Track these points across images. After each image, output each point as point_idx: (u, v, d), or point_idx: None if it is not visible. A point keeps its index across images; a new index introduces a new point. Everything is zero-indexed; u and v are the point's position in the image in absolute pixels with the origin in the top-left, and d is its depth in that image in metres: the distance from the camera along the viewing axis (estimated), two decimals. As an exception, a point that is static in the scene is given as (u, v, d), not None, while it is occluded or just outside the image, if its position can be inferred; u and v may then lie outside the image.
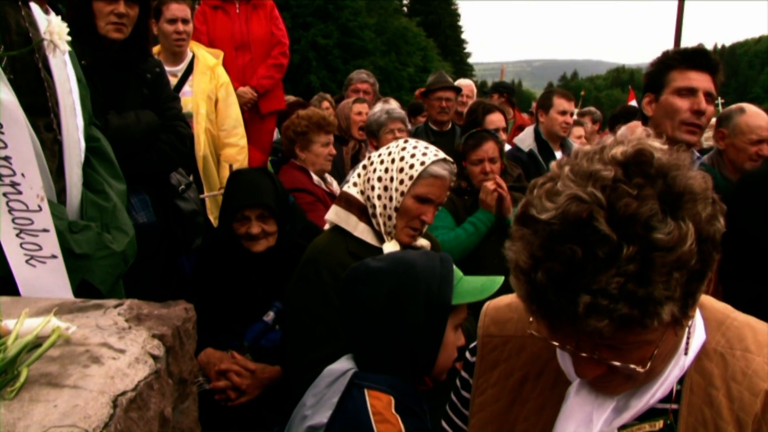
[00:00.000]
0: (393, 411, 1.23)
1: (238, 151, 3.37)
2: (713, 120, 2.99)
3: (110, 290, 1.52)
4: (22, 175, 1.17)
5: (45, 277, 1.23)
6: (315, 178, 3.14)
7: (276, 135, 4.47)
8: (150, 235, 2.31)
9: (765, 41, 76.99)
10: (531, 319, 0.85)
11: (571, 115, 4.08)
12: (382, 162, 1.86)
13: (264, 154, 3.99)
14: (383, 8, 27.48)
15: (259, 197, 2.21)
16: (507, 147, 3.70)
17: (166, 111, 2.43)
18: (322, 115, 3.17)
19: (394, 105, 4.20)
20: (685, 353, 0.88)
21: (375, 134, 3.40)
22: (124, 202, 1.68)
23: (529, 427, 0.98)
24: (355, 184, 1.92)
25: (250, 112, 3.92)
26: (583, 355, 0.82)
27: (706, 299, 0.97)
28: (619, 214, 0.73)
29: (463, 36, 43.46)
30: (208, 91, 3.28)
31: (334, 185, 3.33)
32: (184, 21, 3.26)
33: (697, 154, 2.26)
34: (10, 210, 1.17)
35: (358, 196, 1.89)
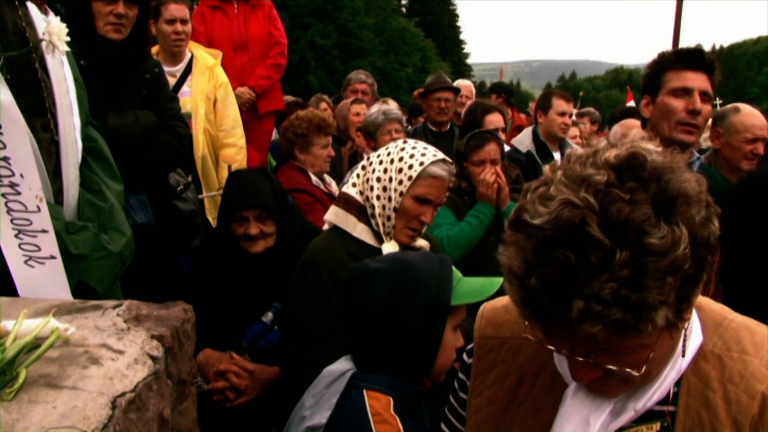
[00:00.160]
0: (392, 412, 1.23)
1: (236, 152, 3.37)
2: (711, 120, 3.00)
3: (107, 291, 1.52)
4: (21, 175, 1.17)
5: (44, 277, 1.23)
6: (314, 178, 3.14)
7: (274, 135, 4.48)
8: (148, 235, 2.31)
9: (763, 42, 77.22)
10: (526, 323, 0.85)
11: (570, 116, 4.09)
12: (381, 162, 1.87)
13: (262, 154, 3.99)
14: (382, 8, 27.49)
15: (257, 198, 2.21)
16: (506, 148, 3.71)
17: (165, 111, 2.43)
18: (321, 117, 3.17)
19: (392, 105, 4.21)
20: (682, 356, 0.88)
21: (372, 135, 3.40)
22: (121, 203, 1.68)
23: (525, 430, 0.98)
24: (354, 185, 1.92)
25: (249, 112, 3.92)
26: (579, 359, 0.82)
27: (703, 301, 0.97)
28: (611, 219, 0.72)
29: (462, 36, 43.49)
30: (207, 92, 3.28)
31: (333, 186, 3.33)
32: (183, 21, 3.26)
33: (697, 154, 2.26)
34: (9, 211, 1.17)
35: (357, 197, 1.89)
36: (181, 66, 3.31)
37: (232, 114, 3.39)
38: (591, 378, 0.85)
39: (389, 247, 1.84)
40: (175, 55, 3.30)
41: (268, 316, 2.23)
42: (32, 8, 1.45)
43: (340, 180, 3.59)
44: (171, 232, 2.53)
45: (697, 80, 2.04)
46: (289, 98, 4.88)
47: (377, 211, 1.85)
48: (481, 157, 2.82)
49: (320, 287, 1.77)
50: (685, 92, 2.04)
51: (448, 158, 1.88)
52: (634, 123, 3.92)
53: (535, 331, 0.83)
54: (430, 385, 1.36)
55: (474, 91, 5.95)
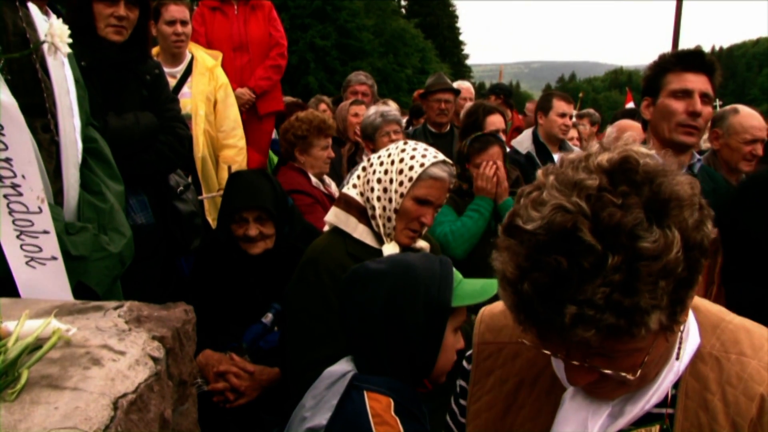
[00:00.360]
0: (392, 413, 1.23)
1: (236, 153, 3.37)
2: (710, 122, 3.00)
3: (107, 292, 1.52)
4: (23, 176, 1.17)
5: (45, 278, 1.23)
6: (313, 179, 3.14)
7: (274, 136, 4.48)
8: (148, 236, 2.31)
9: (763, 43, 77.27)
10: (521, 328, 0.85)
11: (571, 117, 4.10)
12: (381, 164, 1.87)
13: (262, 155, 4.00)
14: (381, 9, 27.53)
15: (257, 199, 2.21)
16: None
17: (165, 112, 2.43)
18: (322, 119, 3.17)
19: (391, 107, 4.21)
20: (677, 358, 0.88)
21: (371, 137, 3.40)
22: (121, 203, 1.68)
23: None
24: (354, 186, 1.92)
25: (249, 113, 3.92)
26: (574, 363, 0.82)
27: (700, 302, 0.97)
28: (603, 224, 0.72)
29: (461, 37, 43.53)
30: (207, 93, 3.28)
31: (333, 187, 3.33)
32: (183, 22, 3.26)
33: (698, 156, 2.27)
34: (11, 212, 1.17)
35: (358, 198, 1.90)
36: (182, 67, 3.32)
37: (232, 115, 3.39)
38: (587, 381, 0.85)
39: (390, 249, 1.84)
40: (175, 56, 3.30)
41: (268, 317, 2.23)
42: (33, 9, 1.45)
43: (339, 181, 3.60)
44: (171, 233, 2.53)
45: (697, 82, 2.04)
46: (288, 99, 4.88)
47: (378, 212, 1.85)
48: (483, 160, 2.84)
49: (320, 288, 1.78)
50: (686, 94, 2.04)
51: (448, 159, 1.88)
52: (629, 124, 3.92)
53: (530, 336, 0.83)
54: (431, 386, 1.36)
55: (473, 92, 5.95)
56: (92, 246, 1.47)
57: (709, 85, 2.06)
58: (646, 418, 0.90)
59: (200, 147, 3.18)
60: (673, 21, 12.28)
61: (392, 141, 3.04)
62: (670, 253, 0.73)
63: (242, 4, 3.94)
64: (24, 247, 1.20)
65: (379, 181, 1.85)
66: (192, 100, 3.22)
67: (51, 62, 1.42)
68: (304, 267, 1.86)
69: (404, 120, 5.99)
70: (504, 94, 6.15)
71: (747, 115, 2.97)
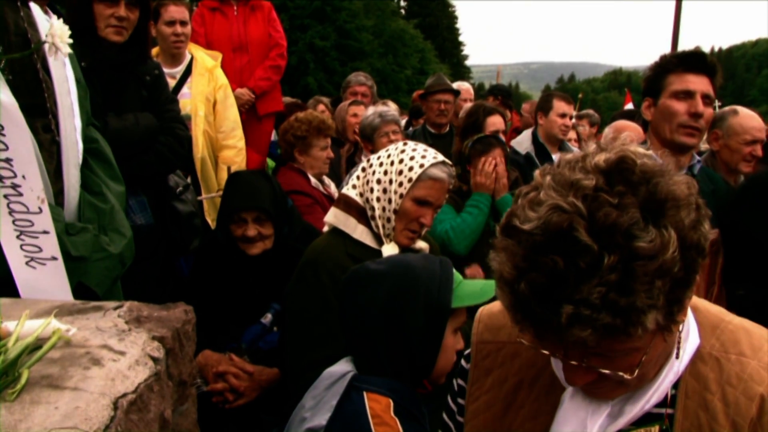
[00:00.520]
0: (392, 414, 1.23)
1: (236, 153, 3.37)
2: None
3: (107, 292, 1.52)
4: (23, 176, 1.17)
5: (45, 278, 1.23)
6: (313, 180, 3.14)
7: (273, 136, 4.48)
8: (147, 236, 2.31)
9: (762, 44, 77.36)
10: (518, 328, 0.85)
11: (571, 118, 4.10)
12: (381, 164, 1.87)
13: (261, 155, 4.00)
14: (381, 10, 27.53)
15: (255, 200, 2.22)
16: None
17: (165, 113, 2.44)
18: (321, 119, 3.18)
19: (391, 107, 4.21)
20: (677, 357, 0.88)
21: (369, 138, 3.40)
22: (122, 204, 1.68)
23: None
24: (354, 187, 1.93)
25: (248, 113, 3.92)
26: (572, 363, 0.82)
27: (700, 302, 0.97)
28: (599, 224, 0.73)
29: (461, 38, 43.57)
30: (207, 93, 3.28)
31: (332, 187, 3.34)
32: (182, 23, 3.27)
33: (698, 157, 2.27)
34: (11, 212, 1.17)
35: (357, 199, 1.90)
36: (181, 68, 3.32)
37: (231, 116, 3.40)
38: (585, 381, 0.85)
39: (389, 249, 1.85)
40: (174, 56, 3.31)
41: (268, 318, 2.23)
42: (35, 9, 1.45)
43: (338, 181, 3.60)
44: (170, 234, 2.53)
45: (699, 83, 2.05)
46: (288, 100, 4.88)
47: (377, 212, 1.85)
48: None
49: (320, 289, 1.78)
50: (687, 95, 2.05)
51: (448, 160, 1.89)
52: (626, 125, 3.93)
53: (528, 335, 0.83)
54: (430, 387, 1.36)
55: (473, 93, 5.96)
56: (92, 246, 1.47)
57: (711, 87, 2.07)
58: (646, 418, 0.90)
59: (200, 148, 3.18)
60: (672, 22, 12.30)
61: (391, 141, 3.05)
62: (667, 253, 0.73)
63: (242, 4, 3.95)
64: (24, 247, 1.20)
65: (378, 181, 1.86)
66: (191, 100, 3.23)
67: (52, 62, 1.43)
68: (303, 267, 1.86)
69: (404, 121, 6.00)
70: (502, 95, 6.16)
71: (747, 116, 2.98)
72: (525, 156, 3.90)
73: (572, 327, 0.73)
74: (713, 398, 0.87)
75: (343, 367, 1.35)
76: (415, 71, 28.49)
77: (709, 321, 0.94)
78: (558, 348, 0.82)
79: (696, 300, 0.95)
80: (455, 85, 5.11)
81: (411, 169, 1.82)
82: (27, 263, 1.21)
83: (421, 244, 1.96)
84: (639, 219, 0.73)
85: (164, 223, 2.48)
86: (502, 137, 3.39)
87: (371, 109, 3.51)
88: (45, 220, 1.21)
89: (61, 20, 1.28)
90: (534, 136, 4.06)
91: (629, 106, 8.59)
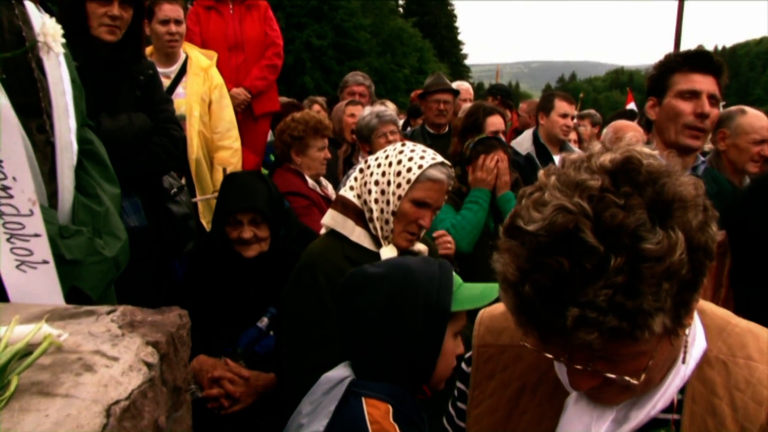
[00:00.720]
0: (391, 420, 1.23)
1: (231, 154, 3.37)
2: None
3: (101, 296, 1.52)
4: (14, 178, 1.16)
5: (36, 283, 1.22)
6: (310, 181, 3.14)
7: (270, 137, 4.47)
8: (141, 238, 2.30)
9: (766, 42, 77.59)
10: (522, 331, 0.85)
11: (573, 118, 4.11)
12: (379, 165, 1.87)
13: (258, 156, 4.00)
14: (378, 9, 27.60)
15: (251, 201, 2.21)
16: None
17: (159, 113, 2.43)
18: (318, 119, 3.18)
19: (389, 107, 4.21)
20: (683, 362, 0.88)
21: (367, 139, 3.38)
22: (117, 207, 1.68)
23: None
24: (351, 188, 1.93)
25: (244, 113, 3.92)
26: (577, 367, 0.82)
27: (706, 305, 0.97)
28: (605, 225, 0.73)
29: (460, 37, 43.67)
30: (202, 93, 3.28)
31: (329, 189, 3.33)
32: (177, 22, 3.26)
33: (702, 158, 2.27)
34: (1, 214, 1.17)
35: (355, 200, 1.90)
36: (176, 67, 3.31)
37: (227, 116, 3.39)
38: (590, 386, 0.85)
39: (387, 252, 1.85)
40: (169, 56, 3.30)
41: (264, 322, 2.23)
42: (30, 7, 1.45)
43: (335, 182, 3.59)
44: (164, 236, 2.52)
45: (705, 83, 2.04)
46: (284, 99, 4.88)
47: (375, 214, 1.85)
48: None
49: (317, 292, 1.78)
50: (693, 95, 2.04)
51: (447, 161, 1.89)
52: (625, 124, 3.93)
53: (532, 339, 0.83)
54: (430, 392, 1.36)
55: (472, 92, 5.97)
56: (87, 250, 1.46)
57: (717, 87, 2.06)
58: (652, 424, 0.90)
59: (194, 148, 3.18)
60: (674, 20, 12.34)
61: (389, 142, 3.04)
62: (674, 255, 0.73)
63: (237, 3, 3.95)
64: (14, 250, 1.19)
65: (376, 183, 1.85)
66: (186, 100, 3.22)
67: (47, 61, 1.42)
68: (300, 270, 1.86)
69: (401, 121, 6.01)
70: (501, 94, 6.17)
71: (755, 115, 2.98)
72: (526, 157, 3.91)
73: (578, 330, 0.73)
74: (721, 403, 0.87)
75: (341, 371, 1.35)
76: (414, 70, 28.56)
77: (716, 324, 0.94)
78: (563, 351, 0.82)
79: (702, 302, 0.94)
80: (454, 84, 5.13)
81: (409, 170, 1.82)
82: (17, 267, 1.21)
83: (420, 247, 1.95)
84: (646, 220, 0.73)
85: (158, 225, 2.48)
86: (502, 137, 3.39)
87: (368, 110, 3.50)
88: (36, 223, 1.21)
89: (54, 19, 1.27)
90: (535, 136, 4.06)
91: (631, 105, 8.61)
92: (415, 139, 4.23)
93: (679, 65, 2.09)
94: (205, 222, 3.16)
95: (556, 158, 3.96)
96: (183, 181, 2.91)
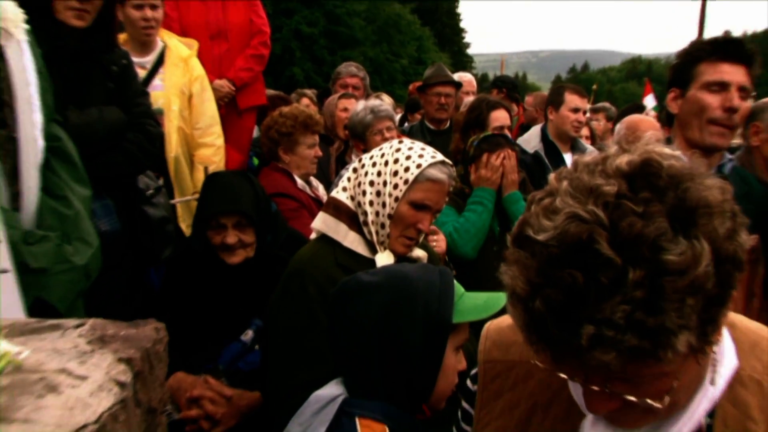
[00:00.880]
0: (387, 442, 1.22)
1: (214, 152, 3.36)
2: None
3: (69, 309, 1.51)
4: (-29, 179, 1.15)
5: (-6, 294, 1.21)
6: (299, 181, 3.14)
7: (255, 133, 4.47)
8: (113, 244, 2.29)
9: (799, 27, 77.56)
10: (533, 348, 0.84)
11: (584, 113, 4.11)
12: (374, 165, 1.87)
13: (242, 154, 3.99)
14: (374, -6, 27.67)
15: (236, 203, 2.21)
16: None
17: (134, 107, 2.43)
18: (308, 114, 3.18)
19: (384, 101, 4.21)
20: (711, 383, 0.87)
21: (361, 137, 3.38)
22: (88, 210, 1.67)
23: None
24: (344, 189, 1.93)
25: (227, 107, 3.92)
26: (594, 388, 0.82)
27: (737, 319, 0.96)
28: (622, 235, 0.72)
29: (462, 24, 43.84)
30: (181, 85, 3.27)
31: (320, 190, 3.33)
32: (153, 6, 3.25)
33: (729, 155, 2.25)
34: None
35: (348, 202, 1.90)
36: (152, 57, 3.30)
37: (209, 110, 3.39)
38: (608, 409, 0.84)
39: (383, 258, 1.84)
40: (144, 44, 3.29)
41: (248, 335, 2.23)
42: (-13, -9, 1.44)
43: (327, 183, 3.59)
44: (139, 241, 2.52)
45: (735, 74, 2.00)
46: (271, 92, 4.88)
47: (370, 218, 1.85)
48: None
49: (307, 303, 1.77)
50: (722, 87, 2.00)
51: (447, 160, 1.89)
52: (641, 120, 3.93)
53: (544, 358, 0.82)
54: (429, 412, 1.35)
55: (476, 85, 5.98)
56: (54, 257, 1.45)
57: (747, 77, 2.02)
58: None
59: (173, 146, 3.17)
60: (698, 4, 12.37)
61: (385, 140, 3.04)
62: (699, 267, 0.72)
63: (220, -13, 3.95)
64: (-30, 258, 1.18)
65: (371, 183, 1.85)
66: (164, 93, 3.21)
67: (8, 49, 1.41)
68: (288, 279, 1.86)
69: (399, 116, 6.02)
70: (507, 87, 6.17)
71: None
72: (533, 155, 3.91)
73: (594, 349, 0.73)
74: (757, 428, 0.86)
75: (332, 390, 1.34)
76: (412, 61, 28.65)
77: (748, 339, 0.93)
78: (578, 372, 0.81)
79: (732, 316, 0.94)
80: (456, 76, 5.14)
81: (407, 169, 1.81)
82: (-27, 276, 1.19)
83: (419, 253, 1.95)
84: (667, 229, 0.72)
85: (132, 230, 2.47)
86: (508, 134, 3.40)
87: (361, 105, 3.49)
88: (-4, 228, 1.19)
89: (14, 2, 1.26)
90: (543, 133, 4.06)
91: (649, 97, 8.63)
92: (413, 136, 4.24)
93: (706, 54, 2.04)
94: (185, 226, 3.16)
95: (567, 157, 3.96)
96: (160, 181, 2.90)
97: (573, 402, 0.95)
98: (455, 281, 1.39)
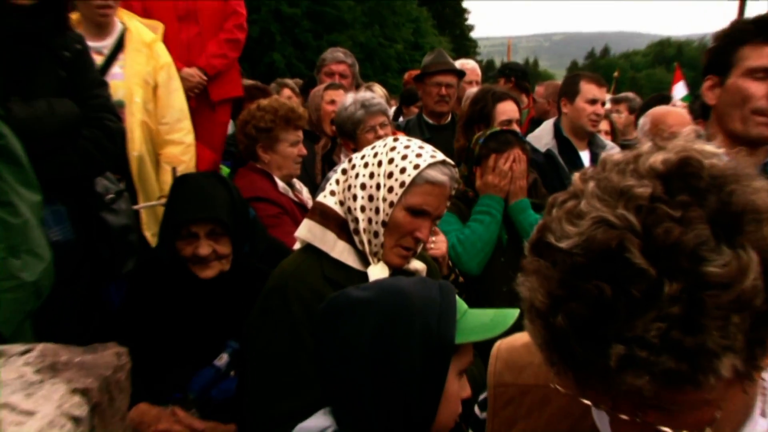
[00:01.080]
0: (382, 482, 1.23)
1: (182, 150, 3.36)
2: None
3: (14, 332, 1.50)
4: None
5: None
6: (280, 184, 3.15)
7: (230, 129, 4.48)
8: (67, 256, 2.29)
9: None
10: (553, 370, 0.85)
11: (603, 104, 4.13)
12: (366, 165, 1.88)
13: (215, 153, 4.00)
14: (365, -31, 27.77)
15: (209, 209, 2.22)
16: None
17: (90, 99, 2.43)
18: (290, 107, 3.19)
19: (377, 93, 4.22)
20: (763, 415, 0.87)
21: (351, 135, 3.38)
22: (38, 218, 1.67)
23: None
24: (332, 193, 1.93)
25: (198, 100, 3.93)
26: (623, 417, 0.82)
27: None
28: (657, 243, 0.72)
29: (464, 4, 44.09)
30: (145, 74, 3.28)
31: (304, 193, 3.34)
32: (110, -18, 3.26)
33: None
34: None
35: (337, 208, 1.90)
36: (111, 41, 3.29)
37: (177, 103, 3.39)
38: None
39: (377, 271, 1.85)
40: (101, 26, 3.28)
41: (223, 360, 2.23)
42: None
43: (312, 186, 3.60)
44: (97, 253, 2.52)
45: None
46: (247, 82, 4.90)
47: (362, 225, 1.86)
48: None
49: (290, 322, 1.78)
50: (767, 74, 1.99)
51: (449, 160, 1.90)
52: (668, 112, 3.94)
53: (565, 381, 0.82)
54: (430, 446, 1.36)
55: (480, 73, 6.01)
56: (-1, 273, 1.45)
57: None
58: None
59: (136, 143, 3.17)
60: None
61: (379, 138, 3.04)
62: (746, 280, 0.72)
63: (188, -38, 3.96)
64: None
65: (363, 186, 1.86)
66: (125, 83, 3.21)
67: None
68: (269, 295, 1.86)
69: (393, 109, 6.04)
70: (516, 75, 6.20)
71: None
72: (545, 154, 3.93)
73: (624, 372, 0.73)
74: None
75: (319, 421, 1.34)
76: (408, 46, 28.75)
77: None
78: (604, 398, 0.81)
79: None
80: (458, 63, 5.16)
81: (403, 170, 1.82)
82: None
83: (417, 265, 1.96)
84: (709, 237, 0.73)
85: (89, 240, 2.47)
86: (517, 129, 3.41)
87: (350, 98, 3.48)
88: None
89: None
90: (556, 128, 4.09)
91: (679, 86, 8.64)
92: (410, 132, 4.26)
93: (750, 35, 2.03)
94: (150, 235, 3.16)
95: (583, 155, 3.98)
96: (122, 184, 2.90)
97: None
98: (458, 297, 1.40)
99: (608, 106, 5.85)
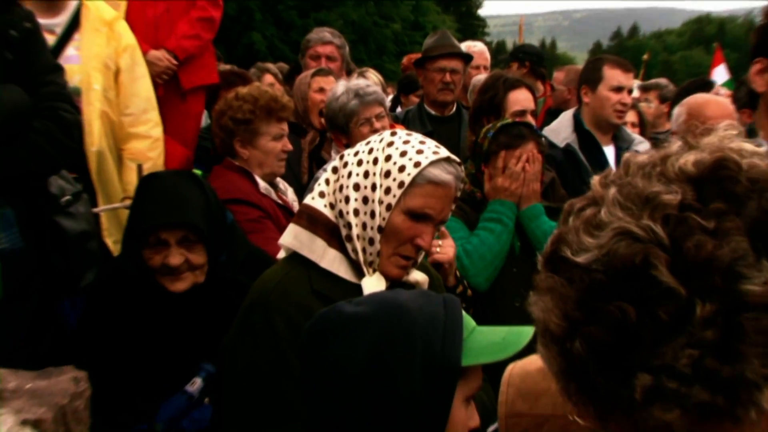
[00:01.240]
0: None
1: (149, 146, 3.37)
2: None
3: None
4: None
5: None
6: (262, 184, 3.15)
7: (204, 121, 4.48)
8: (16, 267, 2.29)
9: None
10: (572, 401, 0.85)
11: (630, 92, 4.13)
12: (360, 163, 1.89)
13: (187, 148, 4.00)
14: (357, -61, 27.81)
15: (181, 213, 2.22)
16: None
17: (42, 86, 2.43)
18: (272, 96, 3.19)
19: (371, 80, 4.22)
20: None
21: (343, 128, 3.37)
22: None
23: None
24: (321, 195, 1.94)
25: (167, 87, 3.92)
26: None
27: None
28: (688, 259, 0.72)
29: (472, -22, 44.13)
30: (105, 57, 3.27)
31: (289, 194, 3.34)
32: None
33: None
34: None
35: (327, 212, 1.91)
36: (64, 18, 3.28)
37: (142, 91, 3.40)
38: None
39: (372, 283, 1.86)
40: (53, 1, 3.28)
41: (195, 385, 2.23)
42: None
43: (298, 186, 3.60)
44: (50, 263, 2.51)
45: None
46: (223, 67, 4.90)
47: (355, 231, 1.86)
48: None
49: (273, 341, 1.78)
50: None
51: (454, 156, 1.90)
52: (707, 101, 3.91)
53: (585, 413, 0.83)
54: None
55: (489, 57, 6.02)
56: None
57: None
58: None
59: (95, 137, 3.17)
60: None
61: (375, 131, 3.05)
62: None
63: (155, -72, 3.96)
64: None
65: (356, 187, 1.87)
66: (82, 67, 3.21)
67: None
68: (249, 311, 1.86)
69: (389, 97, 6.05)
70: (531, 60, 6.21)
71: None
72: (564, 150, 3.93)
73: (651, 406, 0.73)
74: None
75: (306, 456, 1.35)
76: (407, 26, 28.79)
77: None
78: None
79: None
80: (464, 45, 5.18)
81: (402, 169, 1.83)
82: None
83: (418, 276, 1.97)
84: (747, 250, 0.73)
85: (41, 248, 2.47)
86: (532, 121, 3.42)
87: (342, 86, 3.46)
88: None
89: None
90: (577, 120, 4.09)
91: (720, 69, 8.63)
92: (410, 124, 4.27)
93: None
94: (112, 242, 3.15)
95: (608, 150, 3.98)
96: (80, 185, 2.89)
97: None
98: (465, 313, 1.40)
99: (636, 94, 5.84)
